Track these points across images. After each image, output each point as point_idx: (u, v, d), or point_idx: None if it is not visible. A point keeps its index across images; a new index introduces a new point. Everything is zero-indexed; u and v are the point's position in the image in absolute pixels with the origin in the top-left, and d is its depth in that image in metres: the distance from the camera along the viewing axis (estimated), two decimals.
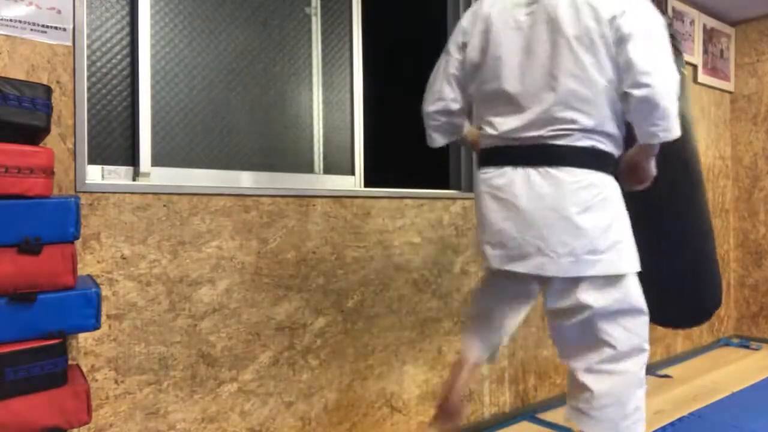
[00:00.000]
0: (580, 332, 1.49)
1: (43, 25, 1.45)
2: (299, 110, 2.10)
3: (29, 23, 1.43)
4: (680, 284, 2.70)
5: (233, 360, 1.76)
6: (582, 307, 1.45)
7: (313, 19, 2.14)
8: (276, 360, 1.85)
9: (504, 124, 1.48)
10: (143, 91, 1.70)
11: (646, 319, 1.50)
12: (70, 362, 1.38)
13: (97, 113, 1.65)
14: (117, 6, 1.69)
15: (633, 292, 1.48)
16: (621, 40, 1.34)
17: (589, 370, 1.49)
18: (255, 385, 1.80)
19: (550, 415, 2.57)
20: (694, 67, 3.65)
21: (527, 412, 2.58)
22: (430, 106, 1.64)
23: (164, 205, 1.64)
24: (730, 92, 3.98)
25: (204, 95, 1.87)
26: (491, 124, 1.51)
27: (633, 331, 1.47)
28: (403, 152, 2.81)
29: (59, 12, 1.47)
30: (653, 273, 2.77)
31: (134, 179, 1.69)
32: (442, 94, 1.62)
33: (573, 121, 1.40)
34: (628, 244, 1.47)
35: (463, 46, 1.58)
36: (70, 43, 1.49)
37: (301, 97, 2.10)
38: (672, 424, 2.44)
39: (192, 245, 1.68)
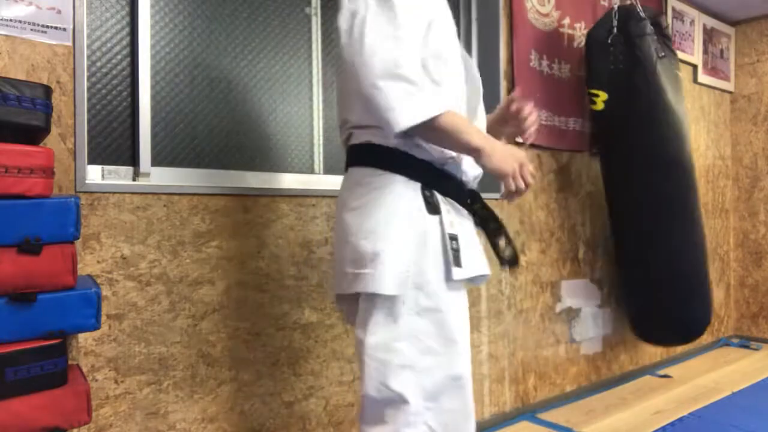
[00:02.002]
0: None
1: (43, 25, 1.45)
2: (299, 110, 2.10)
3: (29, 23, 1.43)
4: (669, 301, 2.70)
5: (233, 360, 1.76)
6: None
7: (313, 19, 2.14)
8: (276, 360, 1.85)
9: None
10: (143, 91, 1.70)
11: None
12: (70, 362, 1.38)
13: (97, 113, 1.65)
14: (117, 6, 1.69)
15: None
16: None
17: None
18: (255, 385, 1.80)
19: (550, 415, 2.58)
20: (694, 67, 3.65)
21: (527, 412, 2.58)
22: None
23: (164, 205, 1.64)
24: (730, 92, 3.98)
25: (204, 95, 1.87)
26: None
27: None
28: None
29: (59, 12, 1.47)
30: (640, 285, 2.77)
31: (134, 179, 1.69)
32: None
33: (346, 121, 1.32)
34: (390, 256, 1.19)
35: None
36: (70, 43, 1.49)
37: (301, 97, 2.10)
38: (672, 424, 2.44)
39: (192, 245, 1.68)
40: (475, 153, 1.19)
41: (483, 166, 1.22)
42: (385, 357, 1.18)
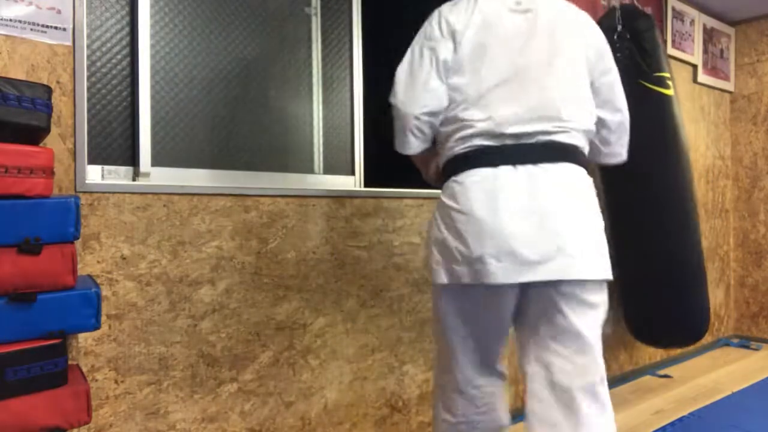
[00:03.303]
0: (575, 340, 1.34)
1: (43, 25, 1.45)
2: (299, 110, 2.10)
3: (29, 23, 1.43)
4: (669, 302, 2.69)
5: (233, 360, 1.76)
6: (593, 305, 1.35)
7: (313, 19, 2.14)
8: (276, 360, 1.85)
9: (499, 116, 1.35)
10: (143, 91, 1.70)
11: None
12: (70, 362, 1.38)
13: (97, 113, 1.65)
14: (117, 6, 1.69)
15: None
16: (604, 72, 1.47)
17: (589, 392, 1.32)
18: (255, 385, 1.80)
19: None
20: (694, 67, 3.65)
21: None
22: (415, 107, 1.43)
23: (164, 205, 1.64)
24: (730, 92, 3.98)
25: (204, 95, 1.87)
26: (482, 118, 1.37)
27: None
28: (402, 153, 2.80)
29: (59, 12, 1.47)
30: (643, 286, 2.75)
31: (134, 179, 1.69)
32: (434, 91, 1.43)
33: (574, 119, 1.37)
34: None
35: (452, 35, 1.42)
36: (70, 43, 1.49)
37: (301, 97, 2.10)
38: (672, 424, 2.44)
39: (192, 245, 1.68)
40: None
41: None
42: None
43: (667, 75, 2.57)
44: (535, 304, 1.37)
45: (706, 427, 2.41)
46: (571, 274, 1.29)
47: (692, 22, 3.60)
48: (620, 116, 1.51)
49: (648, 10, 3.01)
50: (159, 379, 1.62)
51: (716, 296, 3.83)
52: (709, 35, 3.75)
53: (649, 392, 2.90)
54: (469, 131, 1.37)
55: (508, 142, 1.34)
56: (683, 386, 2.97)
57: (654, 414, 2.57)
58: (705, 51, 3.71)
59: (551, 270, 1.28)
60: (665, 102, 2.57)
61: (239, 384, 1.77)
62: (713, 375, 3.15)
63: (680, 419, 2.49)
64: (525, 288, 1.37)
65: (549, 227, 1.29)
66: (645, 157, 2.56)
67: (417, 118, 1.43)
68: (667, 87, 2.55)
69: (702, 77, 3.69)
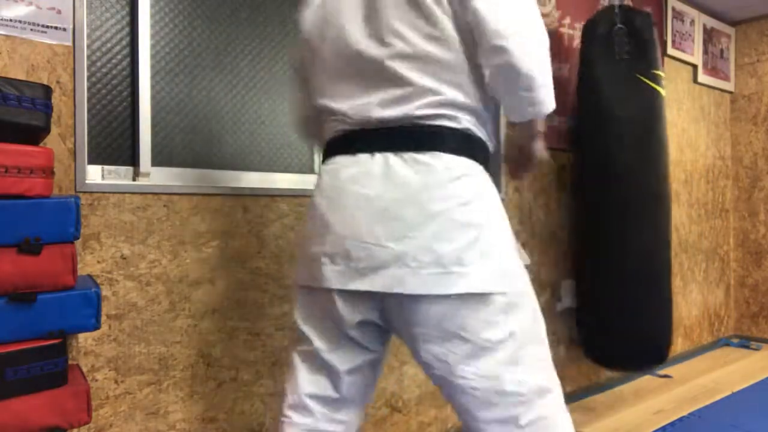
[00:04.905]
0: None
1: (43, 25, 1.45)
2: None
3: (29, 23, 1.43)
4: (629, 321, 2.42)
5: (233, 360, 1.76)
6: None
7: None
8: (276, 360, 1.85)
9: (355, 100, 1.16)
10: (143, 91, 1.70)
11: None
12: (70, 362, 1.38)
13: (97, 113, 1.65)
14: (117, 6, 1.69)
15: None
16: None
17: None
18: (255, 385, 1.80)
19: None
20: (694, 67, 3.65)
21: None
22: (293, 124, 1.46)
23: (164, 205, 1.64)
24: (730, 92, 3.98)
25: (204, 95, 1.87)
26: (338, 104, 1.19)
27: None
28: None
29: (59, 12, 1.47)
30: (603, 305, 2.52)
31: (134, 179, 1.69)
32: (300, 104, 1.40)
33: (440, 94, 1.10)
34: (500, 255, 1.11)
35: (303, 38, 1.28)
36: (70, 43, 1.49)
37: None
38: (672, 424, 2.44)
39: (192, 245, 1.68)
40: (537, 138, 1.28)
41: (525, 150, 1.28)
42: None
43: (661, 74, 2.56)
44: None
45: (706, 427, 2.41)
46: (407, 286, 1.06)
47: (692, 22, 3.60)
48: (503, 57, 1.08)
49: (648, 10, 3.00)
50: (159, 379, 1.62)
51: (716, 296, 3.83)
52: (709, 35, 3.75)
53: (649, 392, 2.90)
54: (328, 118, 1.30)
55: (367, 126, 1.19)
56: (683, 386, 2.97)
57: (654, 414, 2.57)
58: (705, 51, 3.71)
59: (385, 279, 1.08)
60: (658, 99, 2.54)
61: (239, 384, 1.77)
62: (713, 375, 3.15)
63: (680, 419, 2.49)
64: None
65: (385, 226, 1.10)
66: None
67: (298, 131, 1.54)
68: (660, 85, 2.54)
69: (702, 77, 3.69)
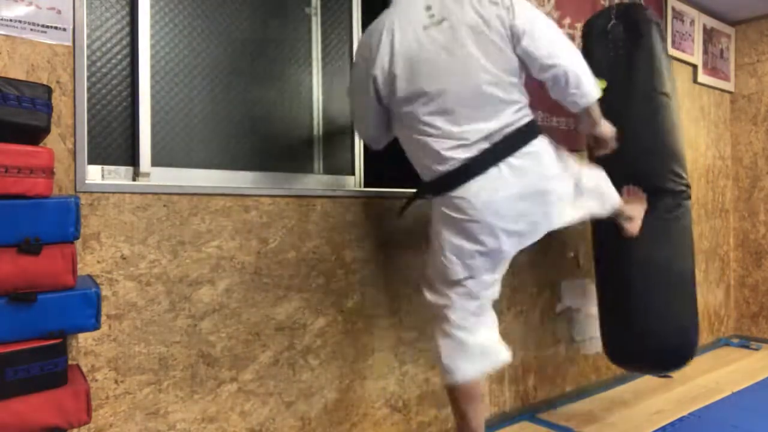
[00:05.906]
0: None
1: (43, 25, 1.45)
2: (299, 110, 2.10)
3: (29, 23, 1.43)
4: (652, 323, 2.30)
5: (233, 360, 1.76)
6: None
7: (313, 18, 2.14)
8: (276, 360, 1.85)
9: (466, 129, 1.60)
10: (143, 91, 1.70)
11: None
12: (70, 362, 1.38)
13: (97, 113, 1.65)
14: (117, 6, 1.69)
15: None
16: (516, 37, 1.57)
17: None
18: (255, 385, 1.80)
19: (550, 415, 2.58)
20: (694, 67, 3.65)
21: (527, 412, 2.58)
22: (365, 137, 1.92)
23: (164, 205, 1.64)
24: (730, 92, 3.98)
25: (204, 95, 1.87)
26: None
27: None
28: (403, 152, 2.80)
29: (59, 12, 1.47)
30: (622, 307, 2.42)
31: (134, 179, 1.69)
32: (372, 130, 1.85)
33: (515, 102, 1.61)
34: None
35: (381, 72, 1.66)
36: (70, 43, 1.49)
37: (301, 97, 2.10)
38: (672, 424, 2.44)
39: (192, 245, 1.68)
40: (599, 119, 1.79)
41: (596, 133, 1.80)
42: None
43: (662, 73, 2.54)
44: None
45: (706, 427, 2.41)
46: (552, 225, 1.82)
47: (692, 22, 3.60)
48: (553, 71, 1.64)
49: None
50: (159, 379, 1.62)
51: (716, 296, 3.83)
52: (709, 35, 3.75)
53: (649, 392, 2.90)
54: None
55: (483, 146, 1.64)
56: (683, 386, 2.97)
57: (654, 414, 2.57)
58: (705, 51, 3.71)
59: (539, 233, 1.81)
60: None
61: (239, 384, 1.77)
62: (713, 375, 3.15)
63: (680, 419, 2.49)
64: None
65: (534, 201, 1.67)
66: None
67: (370, 140, 1.97)
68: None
69: (702, 77, 3.69)
